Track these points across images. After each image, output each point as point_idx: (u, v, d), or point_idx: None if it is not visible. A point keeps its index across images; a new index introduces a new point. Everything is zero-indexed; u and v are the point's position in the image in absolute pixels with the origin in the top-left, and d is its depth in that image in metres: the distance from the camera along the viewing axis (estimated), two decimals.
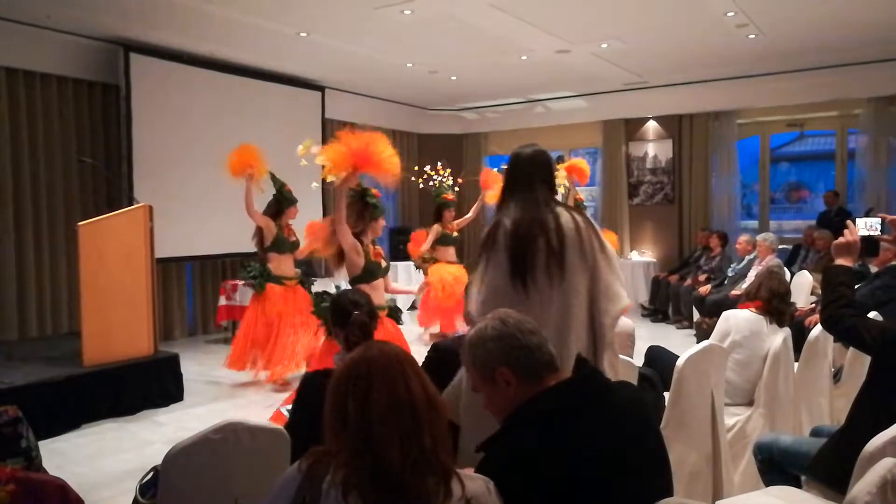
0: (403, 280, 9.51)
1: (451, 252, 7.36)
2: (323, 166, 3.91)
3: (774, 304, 3.38)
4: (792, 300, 4.38)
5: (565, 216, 2.23)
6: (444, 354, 2.60)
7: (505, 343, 1.59)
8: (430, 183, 7.62)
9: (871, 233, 2.44)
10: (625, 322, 3.52)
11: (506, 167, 2.36)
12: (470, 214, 7.39)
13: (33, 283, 6.44)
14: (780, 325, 3.36)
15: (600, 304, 2.20)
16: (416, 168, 7.77)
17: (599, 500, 1.46)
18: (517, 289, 2.16)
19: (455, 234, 7.41)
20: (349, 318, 2.42)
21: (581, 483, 1.44)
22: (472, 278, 2.30)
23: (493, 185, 6.94)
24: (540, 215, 2.21)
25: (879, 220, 2.44)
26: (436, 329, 7.40)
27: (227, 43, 7.05)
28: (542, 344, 1.62)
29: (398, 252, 9.96)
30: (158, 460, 1.85)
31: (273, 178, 5.73)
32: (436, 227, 7.25)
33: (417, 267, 7.49)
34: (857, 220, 2.48)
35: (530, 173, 2.29)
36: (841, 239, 2.37)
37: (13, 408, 1.97)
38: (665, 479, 1.62)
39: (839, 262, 2.36)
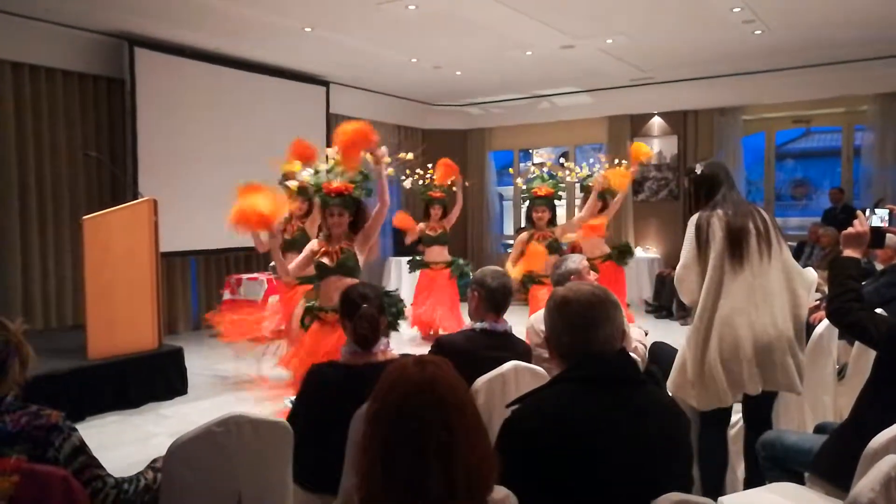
0: (407, 277, 9.47)
1: (436, 251, 7.14)
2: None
3: None
4: None
5: (760, 209, 2.75)
6: (448, 350, 2.60)
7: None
8: (420, 182, 7.46)
9: (881, 224, 2.42)
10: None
11: (700, 175, 2.84)
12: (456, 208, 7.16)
13: (38, 276, 6.46)
14: None
15: (795, 278, 2.67)
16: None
17: (598, 475, 1.50)
18: (735, 268, 2.61)
19: (440, 231, 7.17)
20: (358, 310, 2.42)
21: (586, 447, 1.50)
22: (684, 271, 2.72)
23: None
24: (748, 207, 2.73)
25: (888, 211, 2.42)
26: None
27: (232, 38, 7.05)
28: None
29: (400, 248, 9.96)
30: (162, 453, 1.86)
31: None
32: (422, 225, 7.14)
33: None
34: (868, 211, 2.46)
35: (729, 178, 2.81)
36: (850, 229, 2.35)
37: (57, 413, 1.89)
38: (680, 476, 1.62)
39: (847, 252, 2.34)
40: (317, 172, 4.18)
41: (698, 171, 2.88)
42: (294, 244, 5.70)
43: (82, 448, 1.88)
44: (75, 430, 1.90)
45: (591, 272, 3.71)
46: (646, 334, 3.77)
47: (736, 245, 2.62)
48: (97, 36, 6.75)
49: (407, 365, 1.32)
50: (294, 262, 4.20)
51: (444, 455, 1.22)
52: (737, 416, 3.17)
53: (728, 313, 2.59)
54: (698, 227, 2.71)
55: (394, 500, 1.21)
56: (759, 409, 2.79)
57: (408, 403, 1.25)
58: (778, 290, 2.63)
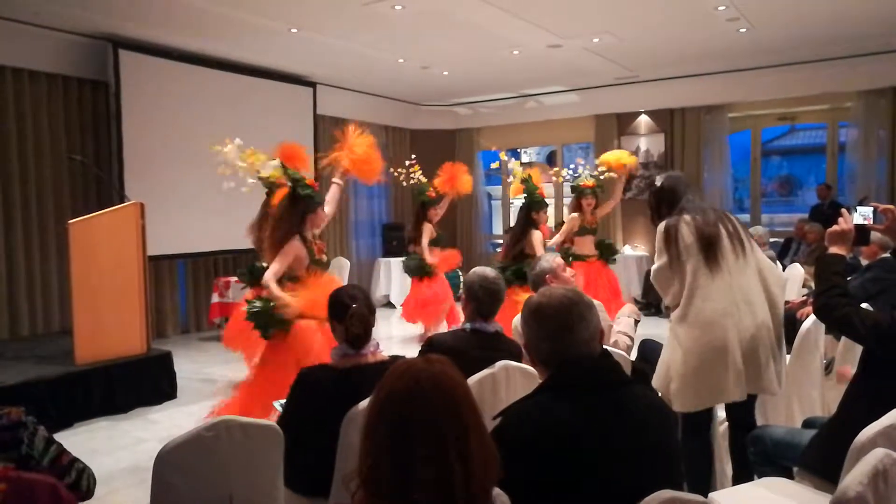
0: (397, 279, 9.47)
1: (436, 254, 7.08)
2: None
3: None
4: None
5: (728, 213, 2.81)
6: (437, 349, 2.60)
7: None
8: (412, 181, 7.30)
9: (864, 222, 2.45)
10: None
11: (660, 187, 2.91)
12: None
13: (24, 281, 6.40)
14: None
15: (768, 277, 2.68)
16: (396, 168, 7.54)
17: (588, 478, 1.51)
18: (712, 270, 2.61)
19: (439, 233, 7.11)
20: (347, 311, 2.41)
21: (574, 454, 1.50)
22: (658, 272, 2.75)
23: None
24: (717, 211, 2.76)
25: (871, 209, 2.44)
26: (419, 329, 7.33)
27: (218, 39, 7.01)
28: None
29: (391, 248, 9.96)
30: (151, 458, 1.85)
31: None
32: (429, 228, 6.91)
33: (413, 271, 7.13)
34: (852, 209, 2.49)
35: (690, 188, 2.88)
36: (835, 227, 2.38)
37: (18, 410, 1.89)
38: (670, 476, 1.62)
39: (833, 250, 2.37)
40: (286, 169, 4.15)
41: (658, 183, 2.94)
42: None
43: (51, 437, 1.93)
44: (37, 421, 1.92)
45: (568, 269, 3.71)
46: (636, 323, 3.75)
47: (709, 247, 2.63)
48: (81, 38, 6.69)
49: (413, 361, 1.32)
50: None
51: (462, 448, 1.21)
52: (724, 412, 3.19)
53: (711, 316, 2.59)
54: (667, 232, 2.73)
55: (410, 499, 1.19)
56: (743, 409, 2.79)
57: (420, 388, 1.24)
58: (756, 290, 2.65)
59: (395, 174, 7.43)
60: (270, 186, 5.05)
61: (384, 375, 1.30)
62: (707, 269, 2.62)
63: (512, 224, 6.35)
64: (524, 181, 6.09)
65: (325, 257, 4.15)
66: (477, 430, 1.25)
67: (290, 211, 3.93)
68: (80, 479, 1.94)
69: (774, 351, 2.63)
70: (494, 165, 6.60)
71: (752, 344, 2.58)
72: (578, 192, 6.58)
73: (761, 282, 2.67)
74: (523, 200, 6.04)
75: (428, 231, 6.89)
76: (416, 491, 1.18)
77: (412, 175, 7.28)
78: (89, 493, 1.97)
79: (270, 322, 3.81)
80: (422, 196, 7.08)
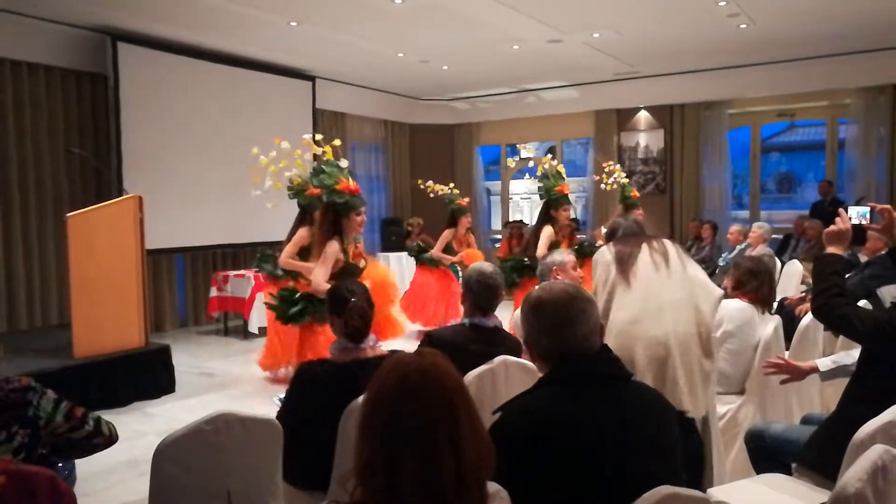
0: (396, 274, 9.46)
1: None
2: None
3: (764, 290, 3.41)
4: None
5: (663, 238, 2.82)
6: (436, 344, 2.59)
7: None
8: (440, 193, 7.44)
9: (861, 221, 2.45)
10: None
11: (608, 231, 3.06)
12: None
13: (22, 274, 6.39)
14: (769, 310, 3.40)
15: (699, 294, 2.59)
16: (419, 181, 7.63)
17: (589, 473, 1.50)
18: (625, 282, 2.57)
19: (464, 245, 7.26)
20: (346, 305, 2.41)
21: (574, 449, 1.50)
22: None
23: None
24: (647, 235, 2.80)
25: (868, 209, 2.44)
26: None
27: (217, 32, 6.99)
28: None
29: (390, 243, 9.96)
30: (150, 452, 1.85)
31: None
32: (447, 233, 7.13)
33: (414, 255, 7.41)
34: (850, 209, 2.49)
35: (629, 228, 2.96)
36: (832, 227, 2.38)
37: (27, 379, 2.03)
38: (669, 470, 1.62)
39: (830, 250, 2.37)
40: (320, 173, 4.16)
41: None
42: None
43: (60, 397, 2.06)
44: (46, 388, 2.06)
45: (578, 269, 3.73)
46: None
47: (623, 262, 2.60)
48: (79, 31, 6.67)
49: (403, 355, 1.32)
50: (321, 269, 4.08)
51: (453, 439, 1.20)
52: (726, 407, 3.19)
53: (619, 326, 2.48)
54: (594, 262, 2.75)
55: (399, 493, 1.19)
56: None
57: (409, 382, 1.23)
58: (675, 302, 2.53)
59: (421, 184, 7.66)
60: (308, 204, 5.05)
61: (377, 370, 1.30)
62: (624, 282, 2.57)
63: (512, 219, 6.35)
64: (542, 178, 5.94)
65: (362, 261, 4.18)
66: (470, 421, 1.24)
67: (324, 216, 4.07)
68: (99, 426, 2.10)
69: (690, 368, 2.47)
70: (512, 161, 6.93)
71: (661, 356, 2.44)
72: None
73: (689, 298, 2.55)
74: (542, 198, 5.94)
75: (445, 237, 7.13)
76: (406, 483, 1.18)
77: (436, 188, 7.45)
78: (112, 437, 2.15)
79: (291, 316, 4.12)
80: (452, 205, 7.25)
